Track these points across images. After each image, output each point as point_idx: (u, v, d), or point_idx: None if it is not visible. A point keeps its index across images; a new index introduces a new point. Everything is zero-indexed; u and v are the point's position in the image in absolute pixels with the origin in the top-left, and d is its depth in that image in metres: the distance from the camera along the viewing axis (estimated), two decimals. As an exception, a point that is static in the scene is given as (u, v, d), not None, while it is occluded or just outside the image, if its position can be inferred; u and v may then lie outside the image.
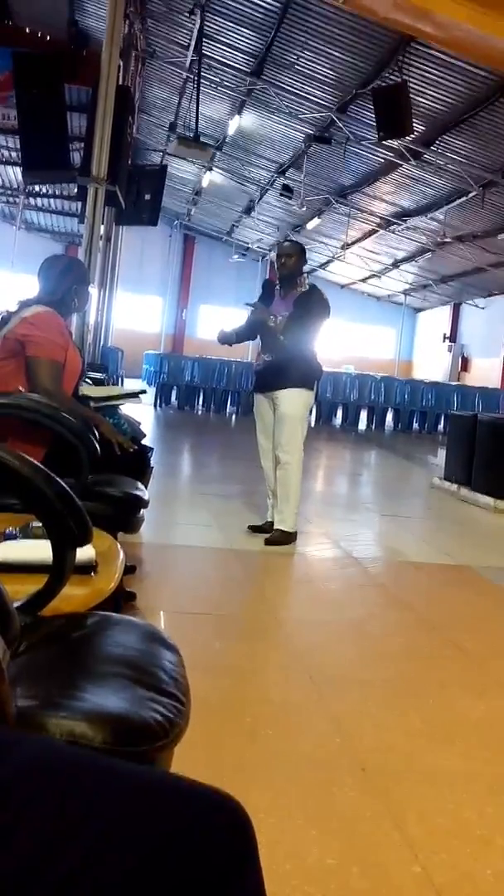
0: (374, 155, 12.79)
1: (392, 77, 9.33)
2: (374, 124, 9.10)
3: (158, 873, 0.55)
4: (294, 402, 4.20)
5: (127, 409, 3.45)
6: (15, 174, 16.66)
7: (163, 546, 4.15)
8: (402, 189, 14.40)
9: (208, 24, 10.30)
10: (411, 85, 9.04)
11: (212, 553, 4.14)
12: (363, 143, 12.04)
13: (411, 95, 8.83)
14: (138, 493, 2.60)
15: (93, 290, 5.34)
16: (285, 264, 4.27)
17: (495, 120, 10.20)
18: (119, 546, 1.74)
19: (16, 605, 1.02)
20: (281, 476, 4.24)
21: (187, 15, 10.21)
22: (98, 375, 6.24)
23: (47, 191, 18.38)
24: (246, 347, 14.76)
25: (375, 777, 1.88)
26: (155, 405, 13.50)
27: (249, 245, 21.97)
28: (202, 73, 10.77)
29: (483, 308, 21.12)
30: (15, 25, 10.88)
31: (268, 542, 4.22)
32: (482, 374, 20.28)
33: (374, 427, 14.13)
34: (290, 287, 4.28)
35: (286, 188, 14.93)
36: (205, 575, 3.81)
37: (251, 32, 10.35)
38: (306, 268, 4.42)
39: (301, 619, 3.24)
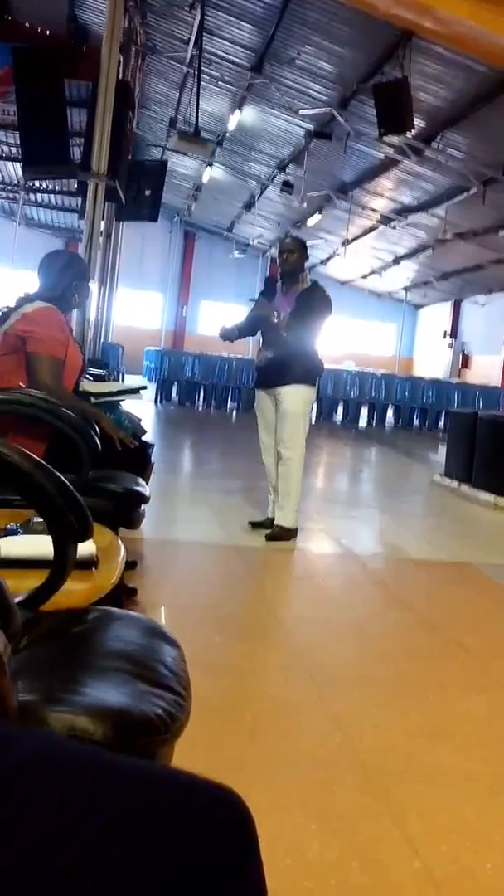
0: (374, 151, 12.76)
1: (393, 73, 9.30)
2: (375, 120, 9.07)
3: (159, 868, 0.54)
4: (296, 399, 4.20)
5: (127, 405, 3.45)
6: (15, 170, 16.63)
7: (164, 542, 4.16)
8: (402, 185, 14.37)
9: (208, 18, 10.27)
10: (412, 81, 9.00)
11: (212, 549, 4.14)
12: (364, 138, 12.01)
13: (412, 91, 8.80)
14: (139, 488, 2.60)
15: (93, 286, 5.33)
16: (287, 260, 4.26)
17: (496, 116, 10.17)
18: (120, 542, 1.74)
19: (17, 600, 1.01)
20: (282, 472, 4.24)
21: (187, 9, 10.18)
22: (99, 372, 6.24)
23: (47, 186, 18.35)
24: (247, 343, 14.77)
25: (375, 776, 1.88)
26: (155, 401, 13.50)
27: (250, 241, 21.92)
28: (202, 68, 10.74)
29: (484, 305, 21.10)
30: (14, 20, 10.86)
31: (268, 538, 4.22)
32: (483, 371, 20.27)
33: (374, 424, 14.12)
34: (292, 283, 4.27)
35: (287, 184, 14.90)
36: (205, 571, 3.82)
37: (251, 27, 10.32)
38: (307, 264, 4.42)
39: (301, 616, 3.24)
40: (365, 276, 22.55)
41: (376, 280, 22.60)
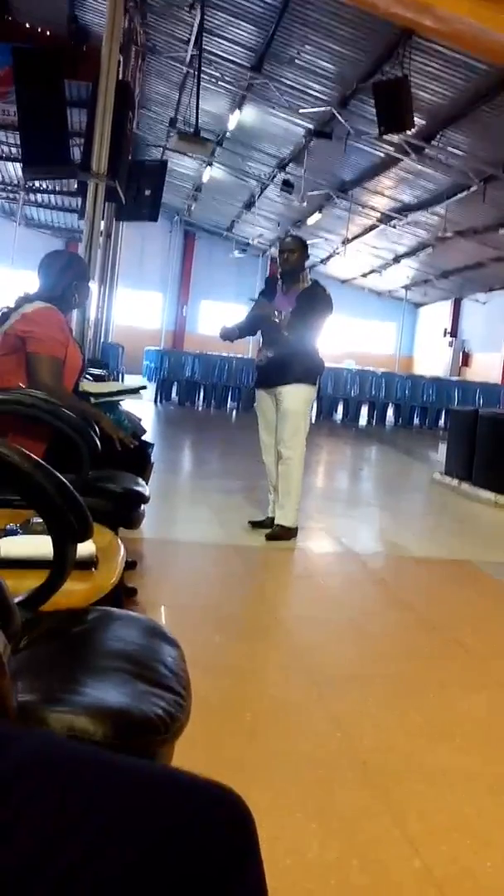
0: (374, 150, 12.75)
1: (393, 71, 9.29)
2: (375, 119, 9.07)
3: (159, 868, 0.55)
4: (297, 398, 4.20)
5: (127, 405, 3.45)
6: (15, 170, 16.63)
7: (163, 541, 4.16)
8: (402, 184, 14.36)
9: (208, 18, 10.26)
10: (412, 79, 9.00)
11: (212, 548, 4.14)
12: (364, 137, 12.00)
13: (412, 90, 8.79)
14: (139, 488, 2.60)
15: (93, 286, 5.33)
16: (288, 260, 4.26)
17: (496, 114, 10.16)
18: (120, 541, 1.74)
19: (17, 600, 1.02)
20: (283, 471, 4.24)
21: (187, 10, 10.17)
22: (98, 371, 6.24)
23: (47, 187, 18.34)
24: (247, 343, 14.75)
25: (375, 776, 1.88)
26: (155, 401, 13.50)
27: (250, 241, 21.91)
28: (202, 68, 10.73)
29: (484, 303, 21.09)
30: (15, 21, 10.86)
31: (269, 538, 4.22)
32: (483, 369, 20.26)
33: (374, 422, 14.12)
34: (293, 282, 4.27)
35: (286, 183, 14.89)
36: (205, 571, 3.82)
37: (251, 27, 10.32)
38: (307, 263, 4.42)
39: (301, 616, 3.24)
40: (365, 275, 22.54)
41: (376, 279, 22.59)
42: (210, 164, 16.14)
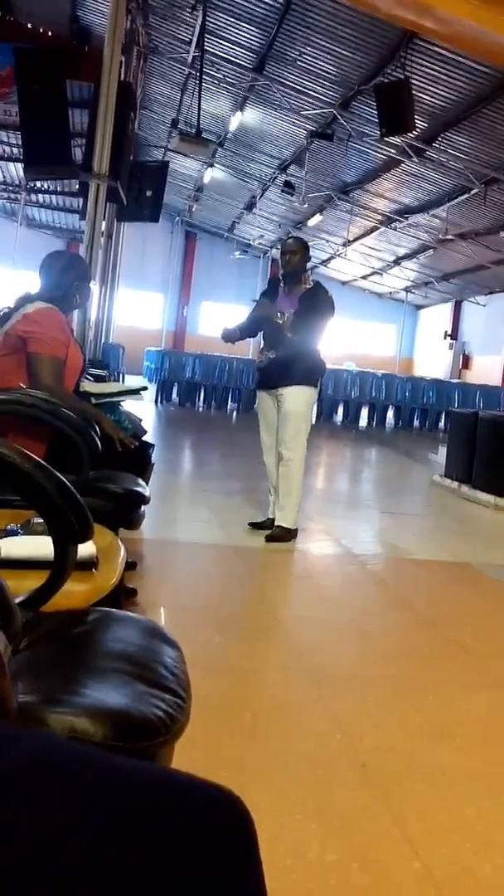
0: (376, 151, 12.77)
1: (394, 73, 9.30)
2: (377, 121, 9.08)
3: (159, 868, 0.55)
4: (298, 399, 4.20)
5: (128, 405, 3.45)
6: (16, 170, 16.64)
7: (164, 542, 4.16)
8: (403, 186, 14.37)
9: (210, 19, 10.27)
10: (414, 81, 9.02)
11: (212, 549, 4.14)
12: (365, 139, 12.01)
13: (414, 92, 8.81)
14: (139, 489, 2.60)
15: (94, 287, 5.34)
16: (290, 261, 4.26)
17: (497, 117, 10.18)
18: (120, 542, 1.74)
19: (17, 600, 1.02)
20: (283, 472, 4.24)
21: (189, 10, 10.19)
22: (99, 372, 6.24)
23: (49, 187, 18.36)
24: (247, 344, 14.75)
25: (375, 776, 1.88)
26: (156, 402, 13.50)
27: (251, 242, 21.93)
28: (204, 69, 10.74)
29: (484, 305, 21.10)
30: (17, 21, 10.87)
31: (268, 539, 4.22)
32: (483, 371, 20.27)
33: (374, 424, 14.12)
34: (295, 284, 4.27)
35: (288, 185, 14.90)
36: (205, 571, 3.82)
37: (253, 28, 10.33)
38: (308, 265, 4.42)
39: (301, 616, 3.24)
40: (366, 277, 22.57)
41: (377, 280, 22.62)
42: (211, 165, 16.16)
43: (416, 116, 8.94)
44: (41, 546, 1.30)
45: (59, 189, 18.27)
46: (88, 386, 3.25)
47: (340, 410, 14.35)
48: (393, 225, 16.48)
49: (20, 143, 8.99)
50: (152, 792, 0.60)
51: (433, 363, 22.95)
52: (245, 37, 10.68)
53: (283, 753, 1.97)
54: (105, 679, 1.06)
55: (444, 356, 22.70)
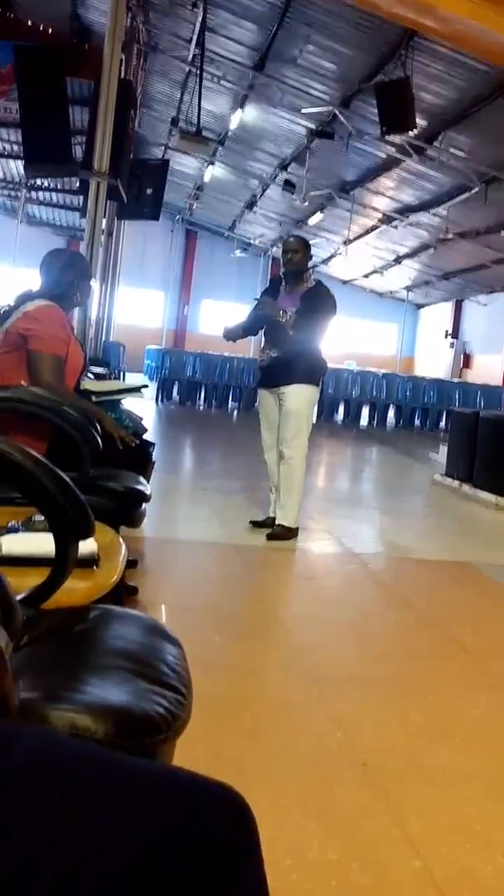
0: (376, 150, 12.75)
1: (395, 72, 9.29)
2: (377, 119, 9.07)
3: (159, 866, 0.54)
4: (300, 398, 4.20)
5: (128, 403, 3.45)
6: (17, 168, 16.63)
7: (164, 540, 4.16)
8: (404, 185, 14.35)
9: (211, 17, 10.25)
10: (414, 80, 9.00)
11: (213, 548, 4.14)
12: (366, 138, 11.99)
13: (414, 90, 8.79)
14: (140, 487, 2.60)
15: (94, 285, 5.33)
16: (291, 259, 4.26)
17: (498, 116, 10.16)
18: (121, 540, 1.73)
19: (18, 598, 1.01)
20: (284, 471, 4.24)
21: (190, 8, 10.17)
22: (100, 370, 6.24)
23: (49, 185, 18.32)
24: (248, 343, 14.75)
25: (375, 775, 1.88)
26: (156, 400, 13.49)
27: (251, 240, 21.91)
28: (204, 67, 10.73)
29: (485, 305, 21.08)
30: (17, 18, 10.86)
31: (269, 538, 4.22)
32: (484, 371, 20.25)
33: (375, 423, 14.11)
34: (296, 282, 4.27)
35: (288, 183, 14.88)
36: (206, 570, 3.82)
37: (254, 26, 10.31)
38: (309, 263, 4.42)
39: (301, 615, 3.24)
40: (366, 276, 22.54)
41: (378, 279, 22.59)
42: (212, 163, 16.14)
43: (416, 115, 8.93)
44: (42, 543, 1.30)
45: (59, 187, 18.24)
46: (89, 384, 3.25)
47: (341, 409, 14.34)
48: (394, 224, 16.46)
49: (20, 140, 8.98)
50: (153, 789, 0.60)
51: (434, 362, 22.94)
52: (245, 35, 10.67)
53: (283, 753, 1.96)
54: (106, 676, 1.06)
55: (444, 355, 22.69)
